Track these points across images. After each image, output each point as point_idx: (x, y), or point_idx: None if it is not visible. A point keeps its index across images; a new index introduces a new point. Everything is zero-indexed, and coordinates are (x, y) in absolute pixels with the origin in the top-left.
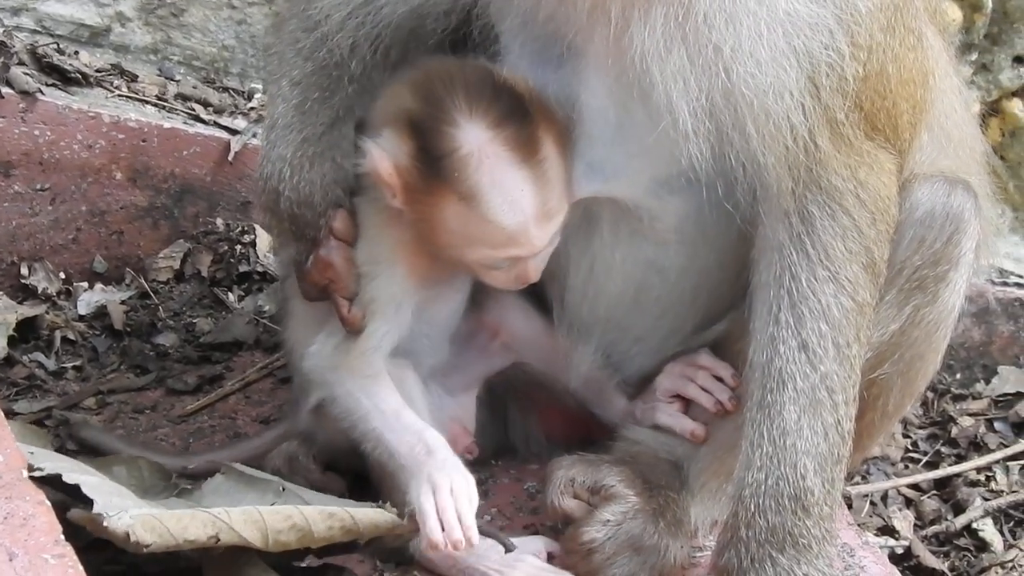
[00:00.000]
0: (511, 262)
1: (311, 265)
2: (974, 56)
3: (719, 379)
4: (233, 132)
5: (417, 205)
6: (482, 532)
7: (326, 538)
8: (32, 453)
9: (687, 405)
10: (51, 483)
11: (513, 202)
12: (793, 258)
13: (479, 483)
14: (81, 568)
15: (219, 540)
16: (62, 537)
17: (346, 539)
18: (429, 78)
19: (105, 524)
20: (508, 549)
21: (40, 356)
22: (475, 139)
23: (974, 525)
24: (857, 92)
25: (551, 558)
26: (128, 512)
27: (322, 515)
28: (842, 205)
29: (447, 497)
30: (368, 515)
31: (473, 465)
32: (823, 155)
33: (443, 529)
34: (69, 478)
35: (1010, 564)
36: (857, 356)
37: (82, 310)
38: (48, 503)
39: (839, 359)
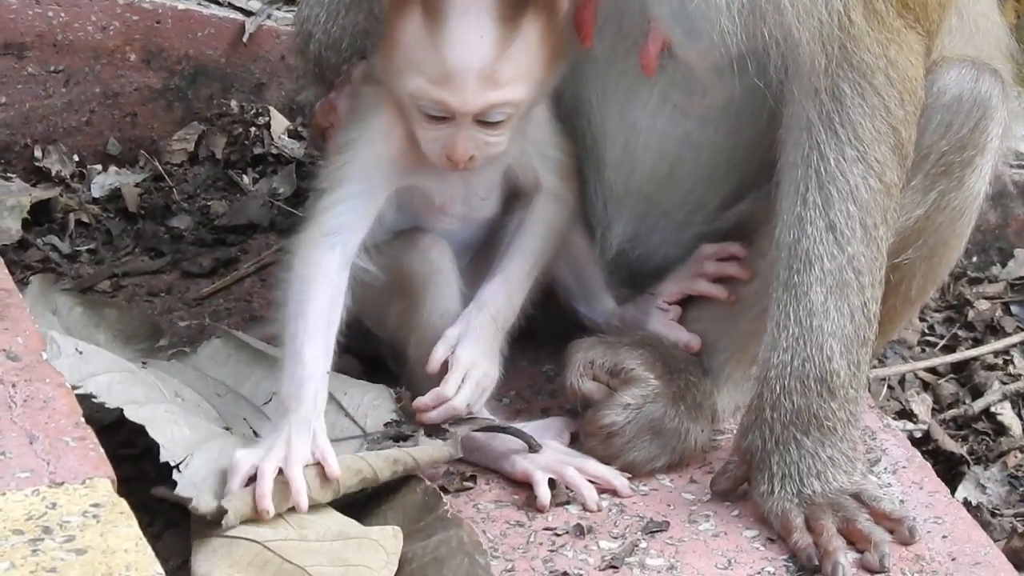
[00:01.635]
0: (442, 123)
1: (318, 107)
2: None
3: (727, 259)
4: (247, 13)
5: (390, 9)
6: (509, 432)
7: (390, 479)
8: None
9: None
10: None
11: (466, 43)
12: (822, 137)
13: None
14: (102, 450)
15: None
16: (82, 419)
17: (408, 474)
18: None
19: (196, 506)
20: (532, 448)
21: (54, 239)
22: None
23: (992, 409)
24: None
25: (573, 439)
26: (198, 464)
27: (387, 462)
28: (872, 84)
29: (275, 463)
30: (426, 452)
31: None
32: (856, 31)
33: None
34: (110, 400)
35: None
36: (884, 238)
37: (96, 193)
38: (67, 385)
39: (866, 240)
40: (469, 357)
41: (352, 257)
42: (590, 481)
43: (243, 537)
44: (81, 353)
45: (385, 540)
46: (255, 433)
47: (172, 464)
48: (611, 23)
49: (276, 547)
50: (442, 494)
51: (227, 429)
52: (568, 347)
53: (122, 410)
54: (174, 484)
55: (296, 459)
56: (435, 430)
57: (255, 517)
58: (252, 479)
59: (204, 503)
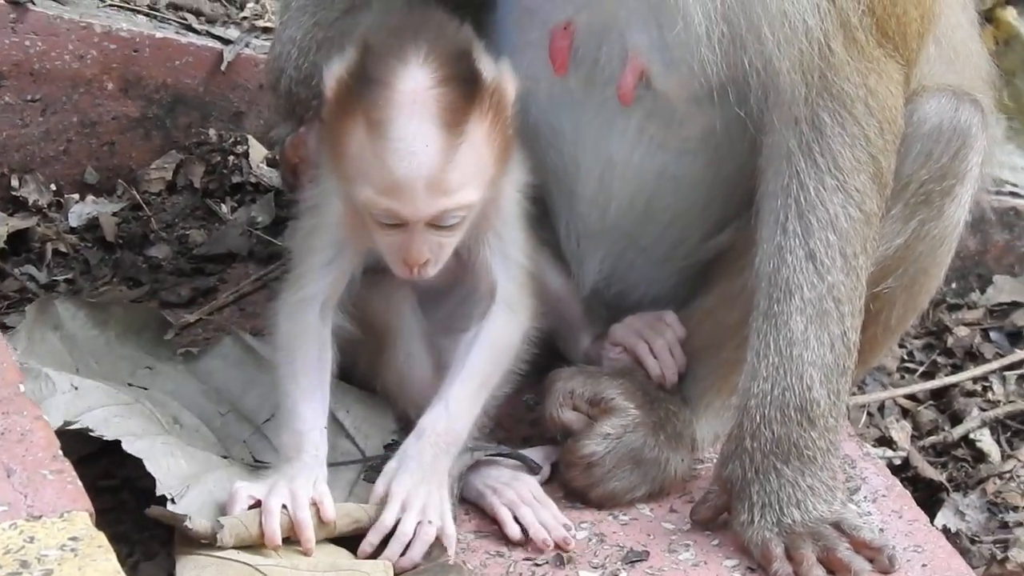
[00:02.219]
0: (396, 229)
1: (288, 142)
2: None
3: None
4: (226, 42)
5: (334, 121)
6: (513, 457)
7: None
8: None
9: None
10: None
11: (412, 153)
12: (802, 166)
13: None
14: (80, 483)
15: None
16: (60, 452)
17: None
18: (411, 19)
19: (190, 526)
20: (533, 471)
21: (31, 269)
22: (413, 81)
23: (971, 435)
24: None
25: (554, 467)
26: (195, 496)
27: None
28: (852, 113)
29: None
30: None
31: None
32: (836, 60)
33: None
34: (108, 433)
35: (1008, 474)
36: (864, 267)
37: (73, 222)
38: (45, 418)
39: (846, 269)
40: (404, 488)
41: (332, 312)
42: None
43: (234, 559)
44: (76, 388)
45: (375, 573)
46: (254, 458)
47: (168, 497)
48: (587, 53)
49: (268, 571)
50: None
51: (224, 457)
52: (548, 376)
53: (102, 440)
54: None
55: (302, 503)
56: None
57: (247, 543)
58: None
59: (198, 523)
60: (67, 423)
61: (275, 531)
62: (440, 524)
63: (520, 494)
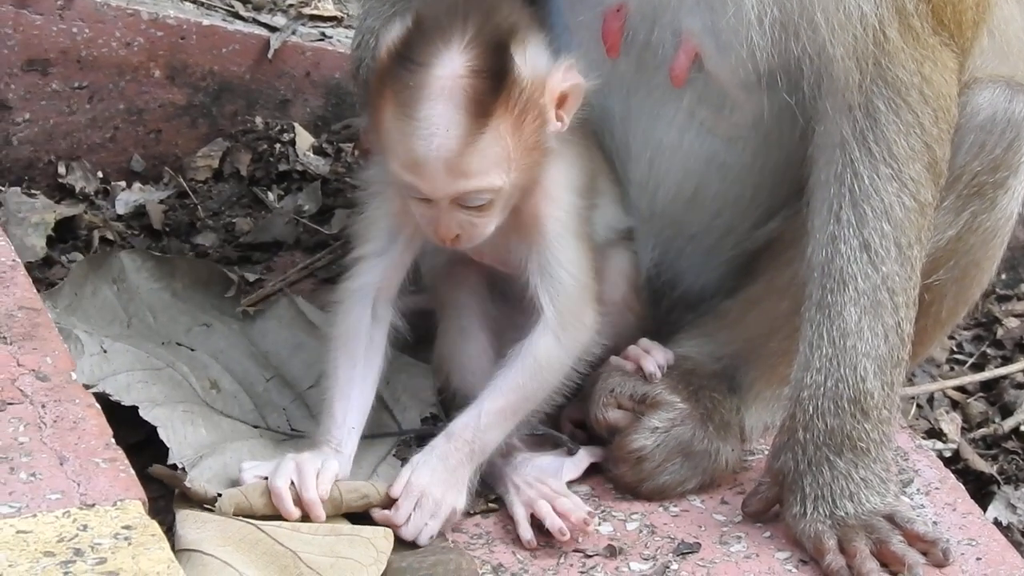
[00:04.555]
0: (425, 203)
1: (362, 132)
2: None
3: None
4: (272, 29)
5: (375, 90)
6: (549, 437)
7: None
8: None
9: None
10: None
11: (432, 135)
12: (856, 154)
13: None
14: (132, 472)
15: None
16: (112, 440)
17: None
18: (471, 1)
19: (189, 485)
20: (571, 451)
21: (78, 256)
22: (446, 67)
23: (1022, 428)
24: None
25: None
26: (208, 465)
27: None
28: (907, 101)
29: (306, 473)
30: None
31: None
32: (891, 47)
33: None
34: (127, 399)
35: None
36: (918, 258)
37: (120, 209)
38: (97, 406)
39: (900, 260)
40: (421, 485)
41: (388, 308)
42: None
43: (236, 517)
44: (105, 352)
45: (376, 539)
46: (291, 427)
47: (179, 466)
48: (639, 35)
49: (269, 530)
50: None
51: (256, 427)
52: (591, 377)
53: (151, 428)
54: None
55: (308, 482)
56: None
57: (247, 514)
58: None
59: (198, 486)
60: (87, 386)
61: (291, 510)
62: (441, 529)
63: (541, 491)
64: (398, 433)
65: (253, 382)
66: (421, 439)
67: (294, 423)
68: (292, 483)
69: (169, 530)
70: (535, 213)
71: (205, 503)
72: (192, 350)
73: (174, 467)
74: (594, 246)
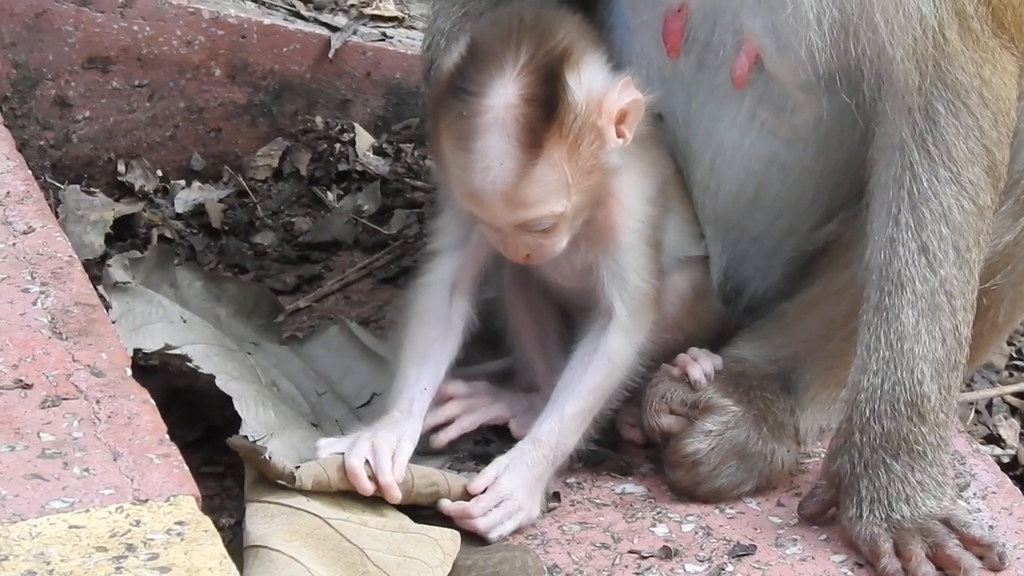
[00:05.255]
0: (492, 227)
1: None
2: None
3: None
4: (333, 29)
5: (433, 120)
6: (602, 456)
7: (459, 496)
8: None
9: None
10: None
11: (487, 167)
12: (915, 157)
13: None
14: (186, 468)
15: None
16: (167, 436)
17: None
18: (525, 23)
19: (268, 459)
20: (624, 472)
21: (137, 254)
22: (501, 96)
23: None
24: None
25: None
26: (276, 446)
27: (461, 485)
28: (966, 104)
29: (381, 453)
30: None
31: None
32: (951, 49)
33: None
34: (205, 367)
35: None
36: (976, 261)
37: (179, 208)
38: (152, 402)
39: (959, 263)
40: (509, 487)
41: (464, 301)
42: None
43: (304, 510)
44: (185, 321)
45: (443, 540)
46: (343, 435)
47: (251, 439)
48: (700, 36)
49: (337, 525)
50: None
51: (315, 425)
52: (642, 386)
53: (206, 426)
54: None
55: (383, 462)
56: None
57: (325, 489)
58: None
59: (278, 461)
60: (168, 346)
61: (367, 487)
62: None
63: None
64: (449, 452)
65: (307, 393)
66: (476, 458)
67: (347, 432)
68: (367, 461)
69: (223, 528)
70: (609, 223)
71: (282, 479)
72: (250, 353)
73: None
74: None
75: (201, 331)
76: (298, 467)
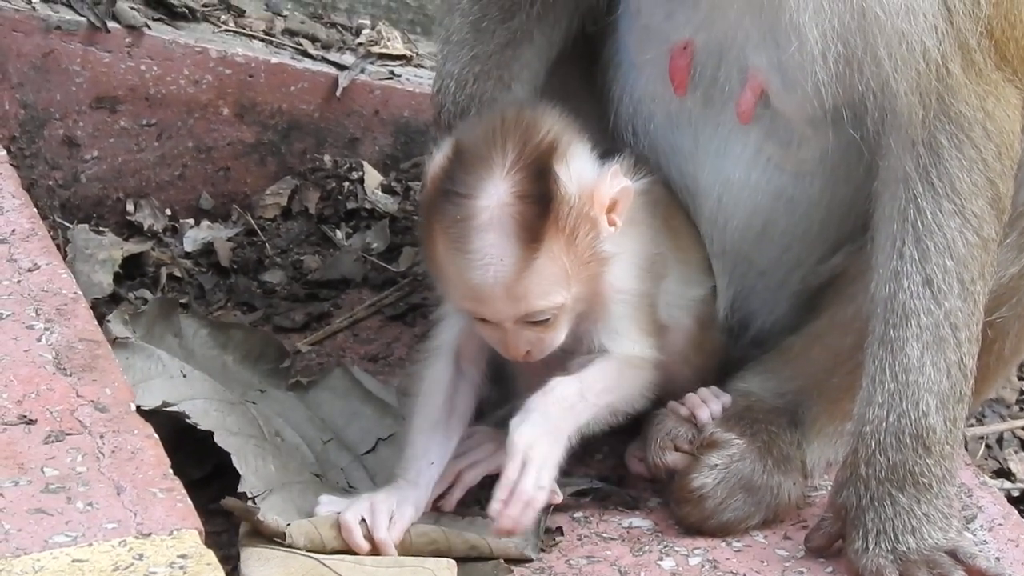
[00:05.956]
0: (490, 324)
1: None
2: None
3: None
4: (341, 67)
5: (425, 224)
6: (606, 493)
7: (460, 553)
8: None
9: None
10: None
11: (487, 265)
12: (919, 190)
13: None
14: (190, 502)
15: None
16: (170, 471)
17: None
18: (508, 121)
19: (262, 519)
20: (631, 507)
21: (146, 292)
22: (493, 196)
23: None
24: (988, 18)
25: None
26: (277, 501)
27: (464, 543)
28: (969, 137)
29: (379, 512)
30: (503, 546)
31: None
32: (954, 82)
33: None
34: (204, 423)
35: None
36: (981, 293)
37: (188, 247)
38: (156, 437)
39: (963, 296)
40: (525, 440)
41: (472, 367)
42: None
43: (299, 553)
44: (185, 376)
45: (440, 571)
46: (348, 484)
47: (249, 496)
48: (706, 72)
49: (332, 564)
50: (511, 571)
51: (318, 476)
52: (644, 422)
53: (214, 463)
54: None
55: (380, 521)
56: None
57: (318, 549)
58: None
59: (271, 519)
60: (166, 403)
61: (360, 543)
62: (551, 487)
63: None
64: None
65: (312, 441)
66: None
67: (352, 482)
68: (363, 520)
69: (232, 568)
70: (601, 301)
71: (275, 537)
72: (254, 403)
73: (243, 498)
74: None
75: (201, 385)
76: (289, 524)
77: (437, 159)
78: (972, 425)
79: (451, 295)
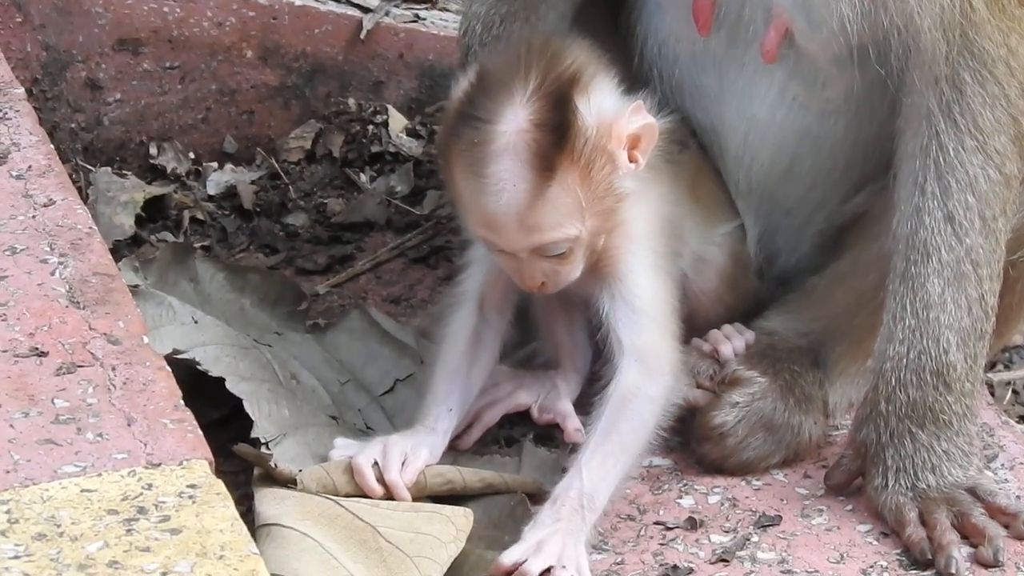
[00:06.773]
0: (506, 254)
1: None
2: None
3: None
4: (365, 10)
5: (444, 149)
6: None
7: (476, 491)
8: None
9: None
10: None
11: (500, 191)
12: (941, 126)
13: None
14: (200, 433)
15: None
16: (181, 402)
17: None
18: (533, 49)
19: (274, 465)
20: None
21: (168, 235)
22: (512, 122)
23: None
24: None
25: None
26: (290, 445)
27: (479, 479)
28: (992, 73)
29: (391, 455)
30: (519, 480)
31: None
32: (978, 18)
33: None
34: (215, 370)
35: None
36: (1002, 231)
37: (211, 190)
38: (168, 369)
39: (985, 232)
40: (537, 537)
41: (495, 314)
42: None
43: (315, 493)
44: (196, 322)
45: (456, 517)
46: (366, 425)
47: (262, 441)
48: (730, 12)
49: (348, 505)
50: (530, 506)
51: (334, 419)
52: None
53: (232, 404)
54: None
55: (391, 463)
56: (543, 439)
57: (330, 493)
58: None
59: (283, 466)
60: (176, 351)
61: (373, 486)
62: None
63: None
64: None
65: (329, 383)
66: (497, 442)
67: (370, 423)
68: (376, 463)
69: (248, 508)
70: (612, 250)
71: (288, 483)
72: (270, 346)
73: (256, 443)
74: (674, 281)
75: (213, 331)
76: (301, 471)
77: (461, 83)
78: (1000, 370)
79: (467, 222)
